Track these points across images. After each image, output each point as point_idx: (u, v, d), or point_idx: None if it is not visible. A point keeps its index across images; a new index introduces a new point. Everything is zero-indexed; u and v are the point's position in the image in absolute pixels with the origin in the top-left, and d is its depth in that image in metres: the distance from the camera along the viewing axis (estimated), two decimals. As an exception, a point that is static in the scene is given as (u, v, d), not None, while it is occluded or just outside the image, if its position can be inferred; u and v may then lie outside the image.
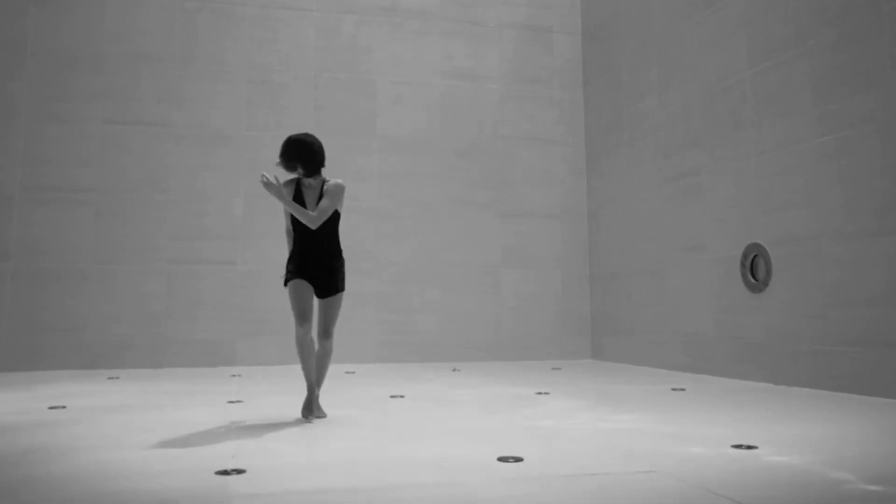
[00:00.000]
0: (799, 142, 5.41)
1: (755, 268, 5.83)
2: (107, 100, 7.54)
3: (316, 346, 4.10)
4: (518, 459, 2.84)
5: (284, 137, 4.10)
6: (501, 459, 2.84)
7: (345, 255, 4.25)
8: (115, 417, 4.03)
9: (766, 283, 5.66)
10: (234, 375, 6.54)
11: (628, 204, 7.78)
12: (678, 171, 6.89)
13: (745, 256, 5.92)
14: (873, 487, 2.46)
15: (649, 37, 7.45)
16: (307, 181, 4.09)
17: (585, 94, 8.79)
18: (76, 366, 7.08)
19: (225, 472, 2.64)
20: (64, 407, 4.40)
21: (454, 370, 7.06)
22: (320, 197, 4.08)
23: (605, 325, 8.21)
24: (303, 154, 4.01)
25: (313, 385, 4.06)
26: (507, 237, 8.40)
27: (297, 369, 6.26)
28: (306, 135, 4.10)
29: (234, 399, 4.81)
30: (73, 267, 7.25)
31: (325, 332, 4.08)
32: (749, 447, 3.06)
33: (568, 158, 8.72)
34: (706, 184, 6.48)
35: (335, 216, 4.12)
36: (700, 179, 6.57)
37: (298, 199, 4.08)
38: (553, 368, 7.26)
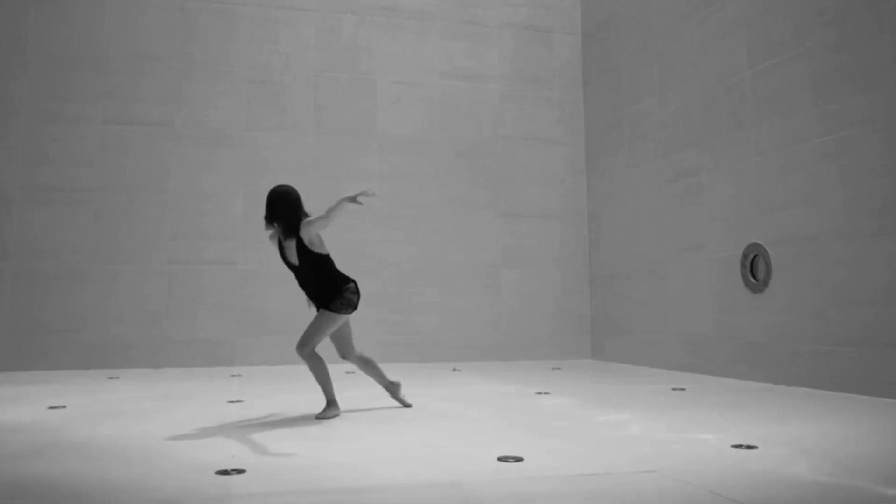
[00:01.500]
0: (799, 142, 5.41)
1: (755, 268, 5.83)
2: (107, 100, 7.54)
3: None
4: (518, 459, 2.84)
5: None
6: (501, 459, 2.84)
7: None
8: (115, 417, 4.03)
9: (766, 283, 5.66)
10: (234, 375, 6.54)
11: (628, 204, 7.78)
12: (678, 171, 6.89)
13: (745, 256, 5.92)
14: (873, 487, 2.46)
15: (649, 37, 7.45)
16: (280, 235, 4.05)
17: (585, 94, 8.79)
18: (76, 366, 7.08)
19: (225, 472, 2.64)
20: (64, 407, 4.40)
21: (454, 370, 7.05)
22: (299, 247, 3.98)
23: (605, 325, 8.21)
24: (279, 207, 3.95)
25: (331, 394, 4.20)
26: (507, 237, 8.40)
27: (295, 369, 6.25)
28: (282, 187, 4.03)
29: (234, 399, 4.81)
30: (73, 267, 7.25)
31: (298, 343, 4.07)
32: (749, 447, 3.06)
33: (568, 158, 8.72)
34: (706, 184, 6.48)
35: (319, 259, 4.04)
36: (700, 179, 6.57)
37: (281, 252, 4.09)
38: (553, 368, 7.26)
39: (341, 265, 4.27)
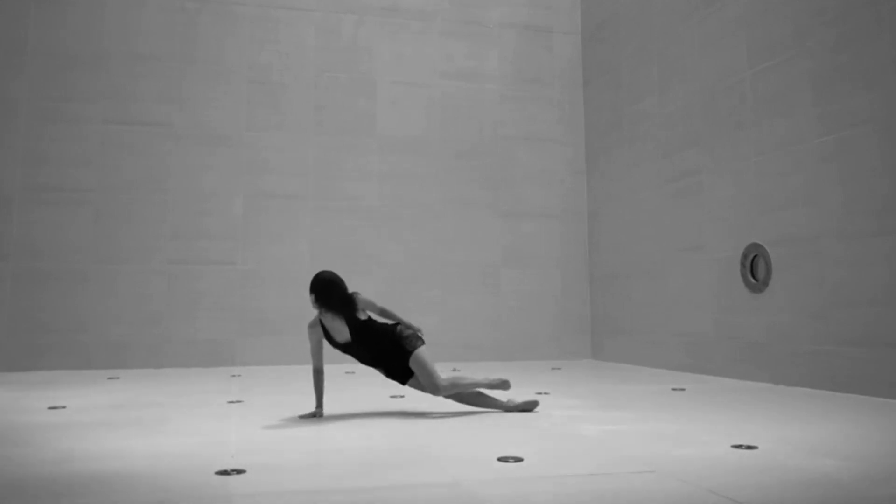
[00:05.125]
0: (799, 142, 5.41)
1: (755, 268, 5.83)
2: (107, 100, 7.54)
3: None
4: (518, 459, 2.84)
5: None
6: (501, 459, 2.84)
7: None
8: (115, 418, 4.03)
9: (766, 283, 5.66)
10: (234, 375, 6.54)
11: (628, 204, 7.78)
12: (678, 171, 6.89)
13: (744, 256, 5.92)
14: (874, 487, 2.46)
15: (649, 37, 7.45)
16: (329, 316, 4.02)
17: (585, 94, 8.79)
18: (76, 366, 7.08)
19: (225, 472, 2.64)
20: (64, 407, 4.40)
21: (454, 370, 7.05)
22: (350, 321, 4.00)
23: (605, 325, 8.21)
24: (336, 296, 4.00)
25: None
26: (507, 237, 8.40)
27: (295, 369, 6.26)
28: (332, 274, 4.08)
29: (234, 399, 4.81)
30: (73, 267, 7.25)
31: (433, 388, 4.12)
32: (749, 447, 3.06)
33: (568, 158, 8.72)
34: (706, 184, 6.48)
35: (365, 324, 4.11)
36: (700, 179, 6.57)
37: (327, 336, 4.08)
38: (553, 368, 7.26)
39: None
